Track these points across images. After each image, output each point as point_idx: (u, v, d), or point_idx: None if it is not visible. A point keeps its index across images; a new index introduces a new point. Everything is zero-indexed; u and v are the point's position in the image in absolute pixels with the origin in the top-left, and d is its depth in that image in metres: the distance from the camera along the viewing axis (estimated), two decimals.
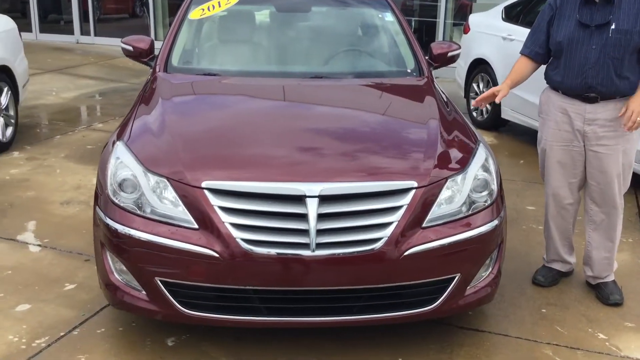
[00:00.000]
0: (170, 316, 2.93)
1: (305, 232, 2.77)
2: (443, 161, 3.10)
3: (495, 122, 7.36)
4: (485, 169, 3.16)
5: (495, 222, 3.09)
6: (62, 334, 3.20)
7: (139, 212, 2.89)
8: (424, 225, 2.91)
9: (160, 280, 2.86)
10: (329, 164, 2.99)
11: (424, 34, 12.76)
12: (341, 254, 2.79)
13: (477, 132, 3.62)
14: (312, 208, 2.78)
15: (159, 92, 3.67)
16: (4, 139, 6.07)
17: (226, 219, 2.78)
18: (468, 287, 3.07)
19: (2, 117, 6.08)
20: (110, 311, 3.36)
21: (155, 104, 3.50)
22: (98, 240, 3.05)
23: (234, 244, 2.76)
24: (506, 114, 7.06)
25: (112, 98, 8.48)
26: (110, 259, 3.00)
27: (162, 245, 2.81)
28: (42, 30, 13.61)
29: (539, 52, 3.70)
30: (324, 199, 2.81)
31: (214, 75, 3.96)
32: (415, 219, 2.89)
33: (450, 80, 8.59)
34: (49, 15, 14.15)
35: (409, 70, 4.24)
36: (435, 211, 2.95)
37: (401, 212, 2.87)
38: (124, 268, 2.94)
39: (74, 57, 11.52)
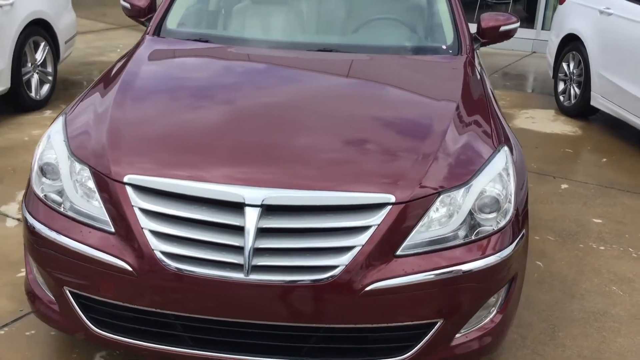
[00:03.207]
0: (80, 334, 2.43)
1: (239, 250, 2.18)
2: (440, 170, 2.38)
3: (583, 109, 6.37)
4: (500, 182, 2.42)
5: (506, 252, 2.37)
6: None
7: (53, 205, 2.40)
8: (398, 252, 2.24)
9: (69, 291, 2.37)
10: (282, 165, 2.34)
11: (525, 4, 11.61)
12: (282, 282, 2.18)
13: (511, 134, 2.85)
14: (251, 220, 2.17)
15: (132, 60, 3.13)
16: (38, 97, 5.80)
17: (146, 224, 2.23)
18: (457, 335, 2.38)
19: (38, 73, 5.82)
20: None
21: (118, 75, 2.98)
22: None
23: (150, 257, 2.21)
24: (596, 101, 6.06)
25: None
26: (30, 261, 2.54)
27: (70, 249, 2.30)
28: None
29: None
30: (268, 210, 2.20)
31: (209, 42, 3.38)
32: (387, 245, 2.22)
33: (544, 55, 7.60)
34: None
35: (444, 47, 3.47)
36: (418, 235, 2.26)
37: (368, 234, 2.20)
38: (41, 273, 2.47)
39: None
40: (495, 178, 2.42)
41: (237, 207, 2.20)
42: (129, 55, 3.25)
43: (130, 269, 2.22)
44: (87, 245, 2.28)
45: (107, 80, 2.97)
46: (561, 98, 6.75)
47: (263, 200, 2.18)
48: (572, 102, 6.53)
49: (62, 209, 2.37)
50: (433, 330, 2.30)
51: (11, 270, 3.26)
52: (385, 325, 2.27)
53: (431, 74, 3.21)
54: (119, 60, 3.26)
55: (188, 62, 3.25)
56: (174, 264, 2.19)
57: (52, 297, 2.45)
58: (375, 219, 2.21)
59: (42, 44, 5.83)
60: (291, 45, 3.38)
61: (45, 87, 5.94)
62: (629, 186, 4.77)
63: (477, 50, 4.07)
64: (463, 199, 2.34)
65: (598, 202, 4.47)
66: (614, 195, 4.58)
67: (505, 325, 2.51)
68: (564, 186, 4.72)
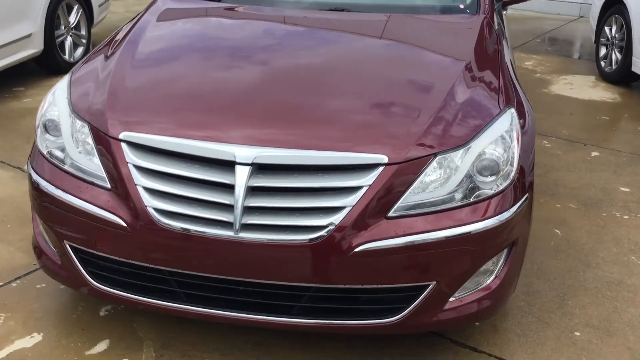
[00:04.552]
0: (81, 287, 2.48)
1: (230, 208, 2.18)
2: (438, 130, 2.32)
3: (624, 75, 6.13)
4: (502, 145, 2.35)
5: (505, 215, 2.31)
6: (0, 283, 2.89)
7: (55, 162, 2.44)
8: (389, 214, 2.21)
9: (69, 245, 2.42)
10: (275, 123, 2.32)
11: None
12: (272, 241, 2.17)
13: (525, 99, 2.75)
14: (242, 178, 2.17)
15: (141, 20, 3.14)
16: (72, 59, 5.90)
17: (140, 181, 2.25)
18: (452, 298, 2.34)
19: (71, 36, 5.91)
20: None
21: (126, 36, 3.00)
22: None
23: (144, 214, 2.23)
24: (637, 66, 5.82)
25: None
26: (36, 216, 2.60)
27: (69, 205, 2.35)
28: None
29: None
30: (259, 168, 2.19)
31: (221, 0, 3.37)
32: (379, 206, 2.19)
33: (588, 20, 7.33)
34: None
35: (461, 6, 3.36)
36: (411, 197, 2.22)
37: (359, 194, 2.17)
38: (44, 228, 2.53)
39: None
40: (497, 140, 2.35)
41: (228, 165, 2.19)
42: (140, 15, 3.26)
43: (124, 224, 2.25)
44: (84, 200, 2.32)
45: (115, 40, 2.99)
46: (602, 64, 6.50)
47: (254, 159, 2.17)
48: (613, 67, 6.29)
49: (63, 166, 2.41)
50: (425, 292, 2.27)
51: (30, 226, 3.34)
52: (375, 286, 2.25)
53: (444, 33, 3.12)
54: (131, 20, 3.27)
55: (195, 22, 3.24)
56: (166, 221, 2.21)
57: (55, 251, 2.51)
58: (367, 180, 2.18)
59: (75, 7, 5.91)
60: (304, 4, 3.33)
61: (79, 50, 6.04)
62: None
63: (503, 11, 3.96)
64: (461, 161, 2.28)
65: (629, 170, 4.32)
66: None
67: (505, 291, 2.45)
68: (594, 154, 4.57)
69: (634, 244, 3.40)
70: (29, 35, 5.29)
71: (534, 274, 3.10)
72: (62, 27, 5.78)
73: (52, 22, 5.54)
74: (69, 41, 5.87)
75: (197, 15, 3.31)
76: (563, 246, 3.36)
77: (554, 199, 3.86)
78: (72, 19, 5.89)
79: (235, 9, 3.30)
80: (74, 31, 5.93)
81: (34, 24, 5.30)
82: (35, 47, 5.39)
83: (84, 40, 6.07)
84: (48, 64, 5.70)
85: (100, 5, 6.32)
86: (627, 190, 4.02)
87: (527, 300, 2.91)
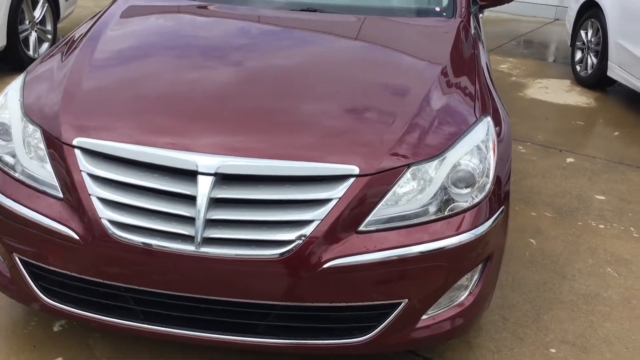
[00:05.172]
0: (32, 303, 2.33)
1: (191, 221, 2.05)
2: (412, 140, 2.21)
3: (600, 79, 6.09)
4: (478, 155, 2.25)
5: (481, 229, 2.21)
6: None
7: (4, 168, 2.29)
8: (360, 228, 2.09)
9: (19, 258, 2.26)
10: (240, 131, 2.19)
11: None
12: (234, 256, 2.04)
13: (501, 106, 2.66)
14: (204, 189, 2.03)
15: (103, 18, 2.99)
16: (36, 55, 5.69)
17: (94, 191, 2.10)
18: (424, 316, 2.24)
19: (36, 31, 5.70)
20: None
21: (87, 31, 2.85)
22: None
23: (97, 226, 2.09)
24: (612, 71, 5.79)
25: None
26: None
27: (18, 215, 2.19)
28: None
29: None
30: (223, 178, 2.06)
31: None
32: (349, 220, 2.07)
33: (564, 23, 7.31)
34: None
35: (437, 9, 3.26)
36: (383, 210, 2.11)
37: (328, 207, 2.05)
38: None
39: None
40: (473, 150, 2.25)
41: (190, 175, 2.06)
42: (103, 11, 3.10)
43: (76, 237, 2.10)
44: (34, 210, 2.17)
45: (75, 38, 2.83)
46: (578, 68, 6.47)
47: (217, 168, 2.04)
48: (589, 72, 6.25)
49: (13, 173, 2.26)
50: (397, 311, 2.16)
51: None
52: (345, 304, 2.13)
53: (420, 37, 3.01)
54: (94, 16, 3.11)
55: (160, 20, 3.08)
56: (122, 234, 2.07)
57: (4, 264, 2.35)
58: (337, 192, 2.06)
59: (41, 1, 5.71)
60: (277, 4, 3.19)
61: (45, 46, 5.85)
62: (639, 162, 4.55)
63: (480, 15, 3.87)
64: (435, 172, 2.17)
65: (604, 177, 4.26)
66: (621, 171, 4.36)
67: (479, 308, 2.36)
68: (569, 160, 4.51)
69: (610, 255, 3.34)
70: None
71: (509, 286, 3.01)
72: (27, 22, 5.57)
73: (15, 16, 5.33)
74: (33, 36, 5.68)
75: (162, 13, 3.15)
76: (538, 257, 3.28)
77: (529, 207, 3.79)
78: (37, 13, 5.69)
79: (203, 8, 3.16)
80: (39, 26, 5.73)
81: None
82: None
83: (49, 36, 5.88)
84: (11, 60, 5.50)
85: (67, 0, 6.12)
86: (603, 198, 3.96)
87: (502, 314, 2.82)
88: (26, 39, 5.58)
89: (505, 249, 2.46)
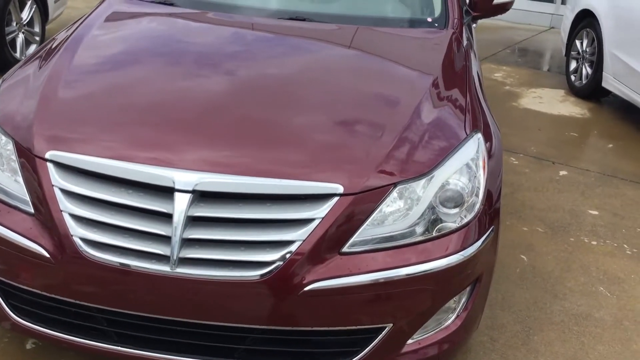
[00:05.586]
0: (2, 322, 2.23)
1: (166, 240, 1.96)
2: (399, 158, 2.12)
3: (594, 90, 6.04)
4: (467, 174, 2.17)
5: (469, 251, 2.13)
6: None
7: None
8: (344, 249, 2.01)
9: None
10: (220, 146, 2.10)
11: None
12: (211, 277, 1.96)
13: (492, 120, 2.58)
14: (181, 207, 1.94)
15: (82, 25, 2.89)
16: (23, 57, 5.58)
17: (66, 207, 2.01)
18: (410, 341, 2.15)
19: (24, 33, 5.60)
20: None
21: (67, 37, 2.76)
22: None
23: (69, 244, 2.00)
24: (607, 82, 5.73)
25: None
26: None
27: None
28: None
29: None
30: (201, 196, 1.97)
31: (173, 5, 3.12)
32: (332, 240, 1.99)
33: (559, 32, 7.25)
34: None
35: (429, 20, 3.18)
36: (368, 230, 2.03)
37: (310, 228, 1.97)
38: None
39: None
40: (462, 169, 2.17)
41: (166, 192, 1.97)
42: (85, 17, 3.01)
43: (47, 255, 2.01)
44: (4, 226, 2.08)
45: (53, 45, 2.74)
46: (572, 78, 6.41)
47: (195, 185, 1.95)
48: (584, 82, 6.19)
49: None
50: (381, 335, 2.08)
51: None
52: (327, 328, 2.05)
53: (411, 48, 2.93)
54: (75, 21, 3.02)
55: (144, 27, 2.99)
56: (94, 253, 1.98)
57: None
58: (320, 212, 1.98)
59: (29, 3, 5.61)
60: (262, 13, 3.10)
61: (32, 48, 5.73)
62: (633, 175, 4.48)
63: (473, 25, 3.79)
64: (423, 191, 2.09)
65: (597, 191, 4.19)
66: (615, 185, 4.29)
67: (467, 331, 2.28)
68: (562, 173, 4.44)
69: (602, 273, 3.26)
70: None
71: (499, 305, 2.93)
72: (14, 24, 5.47)
73: (2, 18, 5.23)
74: (20, 38, 5.57)
75: (146, 20, 3.06)
76: (529, 274, 3.20)
77: (521, 221, 3.71)
78: (25, 15, 5.58)
79: (189, 16, 3.06)
80: (26, 28, 5.63)
81: None
82: None
83: (37, 38, 5.77)
84: None
85: (56, 1, 6.02)
86: (596, 213, 3.89)
87: (491, 335, 2.74)
88: (13, 41, 5.48)
89: (495, 265, 2.39)
